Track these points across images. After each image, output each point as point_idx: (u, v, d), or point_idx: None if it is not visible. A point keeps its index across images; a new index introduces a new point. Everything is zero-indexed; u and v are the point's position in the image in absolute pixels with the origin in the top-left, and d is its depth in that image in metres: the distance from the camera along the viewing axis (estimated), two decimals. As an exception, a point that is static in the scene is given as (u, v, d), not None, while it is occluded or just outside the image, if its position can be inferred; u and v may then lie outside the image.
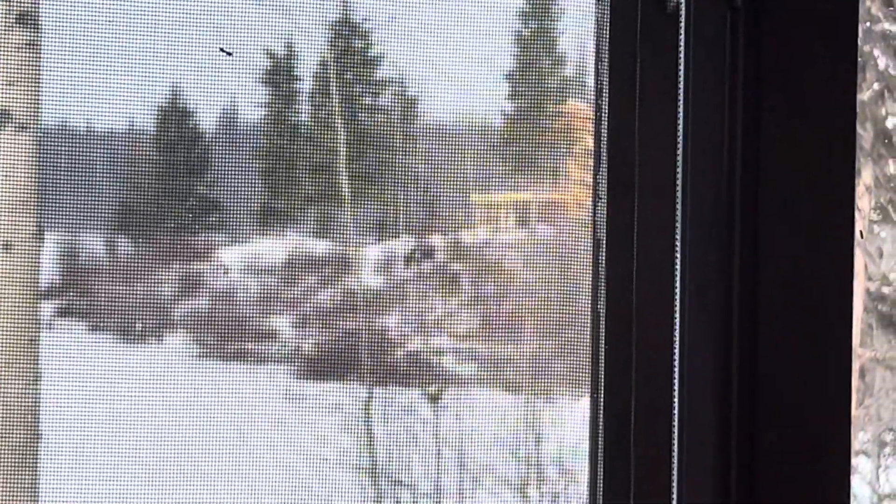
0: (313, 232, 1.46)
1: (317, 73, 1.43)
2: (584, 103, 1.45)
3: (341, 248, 1.47)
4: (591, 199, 1.44)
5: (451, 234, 1.49)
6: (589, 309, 1.43)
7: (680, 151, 1.41)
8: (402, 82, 1.44)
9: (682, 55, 1.41)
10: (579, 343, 1.44)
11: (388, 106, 1.45)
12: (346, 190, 1.43)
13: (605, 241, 1.42)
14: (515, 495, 1.56)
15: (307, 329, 1.48)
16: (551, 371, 1.48)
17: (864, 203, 3.07)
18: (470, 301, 1.51)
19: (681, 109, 1.41)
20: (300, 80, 1.43)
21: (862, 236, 3.19)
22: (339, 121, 1.43)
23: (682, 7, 1.41)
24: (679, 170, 1.41)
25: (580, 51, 1.45)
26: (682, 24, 1.41)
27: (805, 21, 1.40)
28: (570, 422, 1.49)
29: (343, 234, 1.45)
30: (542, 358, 1.47)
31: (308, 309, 1.48)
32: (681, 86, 1.41)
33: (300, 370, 1.48)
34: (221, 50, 1.36)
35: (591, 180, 1.44)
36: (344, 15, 1.43)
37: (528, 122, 1.45)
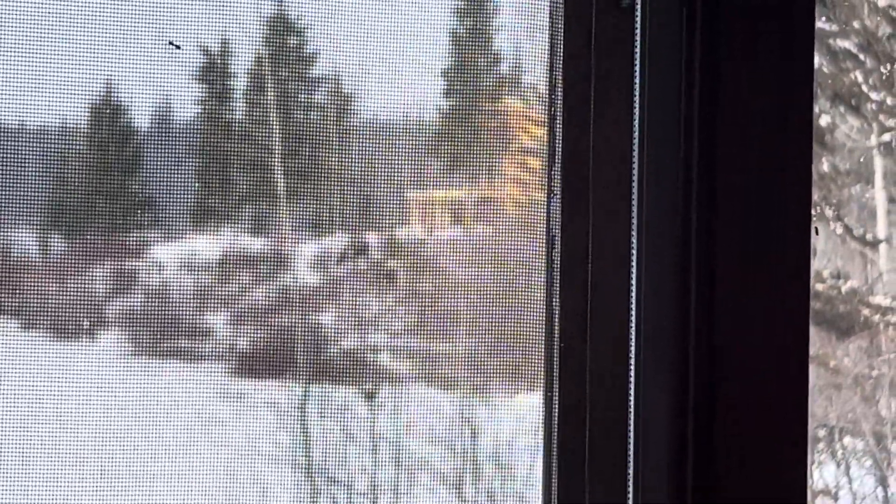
0: (248, 229, 1.45)
1: (251, 69, 1.43)
2: (520, 101, 1.46)
3: (276, 245, 1.46)
4: (531, 195, 1.44)
5: (387, 232, 1.49)
6: (541, 305, 1.43)
7: (636, 147, 1.41)
8: (337, 79, 1.44)
9: (637, 50, 1.41)
10: (529, 339, 1.44)
11: (323, 103, 1.45)
12: (281, 187, 1.43)
13: (559, 238, 1.41)
14: (451, 492, 1.57)
15: (242, 326, 1.47)
16: (497, 367, 1.48)
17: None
18: (408, 298, 1.51)
19: (636, 104, 1.41)
20: (235, 76, 1.43)
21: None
22: (274, 118, 1.43)
23: (637, 2, 1.41)
24: (635, 165, 1.41)
25: (516, 48, 1.46)
26: (638, 20, 1.41)
27: (760, 16, 1.40)
28: (511, 418, 1.50)
29: (278, 231, 1.45)
30: (484, 354, 1.47)
31: (243, 306, 1.47)
32: (636, 81, 1.41)
33: (235, 368, 1.47)
34: (171, 43, 1.35)
35: (528, 178, 1.44)
36: (279, 11, 1.42)
37: (464, 119, 1.45)
